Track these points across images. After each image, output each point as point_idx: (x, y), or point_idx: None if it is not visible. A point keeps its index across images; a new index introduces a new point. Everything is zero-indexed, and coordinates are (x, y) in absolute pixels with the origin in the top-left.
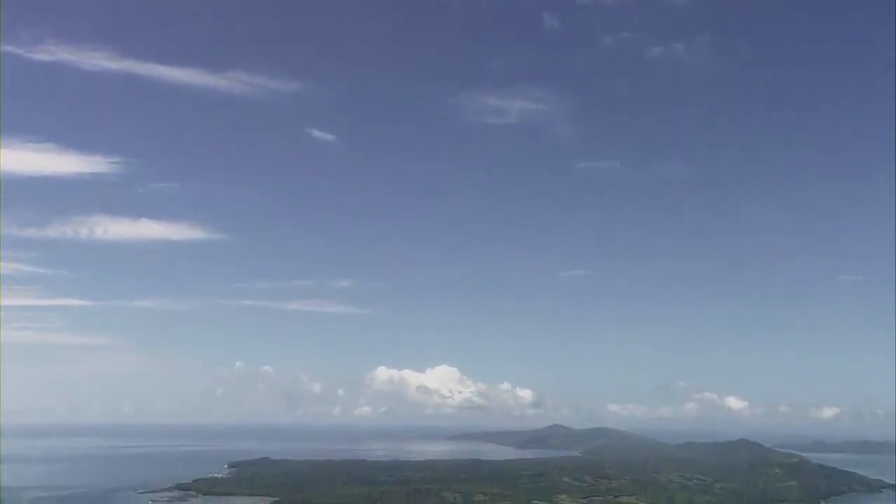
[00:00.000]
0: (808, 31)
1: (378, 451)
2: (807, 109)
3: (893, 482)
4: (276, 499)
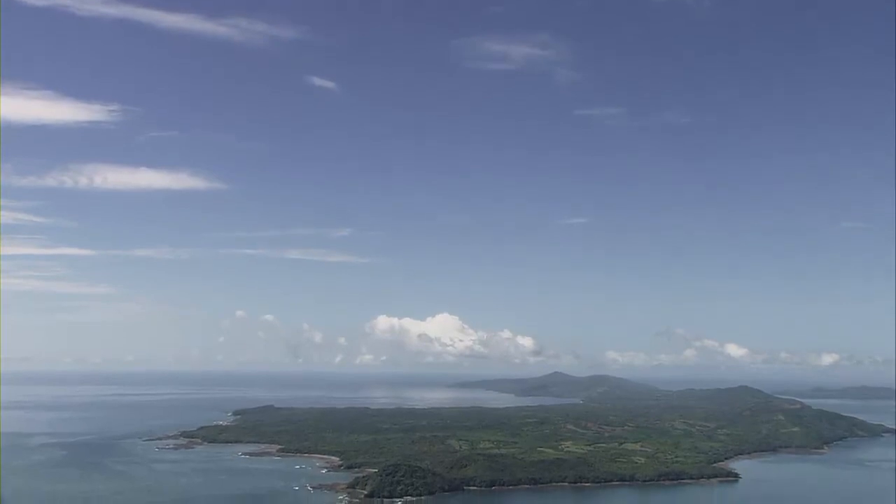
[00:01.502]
0: None
1: (380, 398)
2: (811, 57)
3: (894, 427)
4: (282, 446)
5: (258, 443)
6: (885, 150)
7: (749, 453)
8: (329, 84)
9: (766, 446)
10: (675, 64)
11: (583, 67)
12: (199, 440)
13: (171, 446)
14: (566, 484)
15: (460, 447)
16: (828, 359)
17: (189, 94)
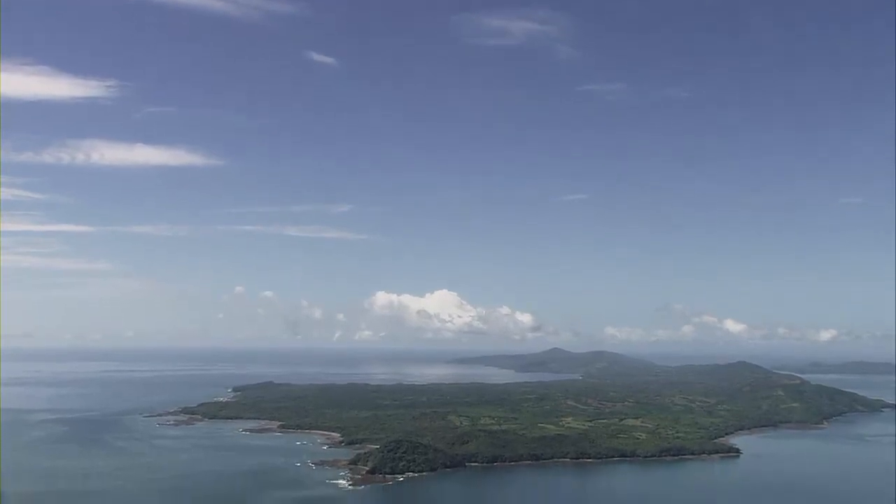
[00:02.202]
0: None
1: (380, 374)
2: (810, 32)
3: (894, 402)
4: (282, 422)
5: (258, 419)
6: (884, 126)
7: (749, 429)
8: (328, 60)
9: (767, 422)
10: (676, 39)
11: (583, 43)
12: (200, 416)
13: (171, 422)
14: (567, 460)
15: (461, 423)
16: (826, 334)
17: (186, 69)
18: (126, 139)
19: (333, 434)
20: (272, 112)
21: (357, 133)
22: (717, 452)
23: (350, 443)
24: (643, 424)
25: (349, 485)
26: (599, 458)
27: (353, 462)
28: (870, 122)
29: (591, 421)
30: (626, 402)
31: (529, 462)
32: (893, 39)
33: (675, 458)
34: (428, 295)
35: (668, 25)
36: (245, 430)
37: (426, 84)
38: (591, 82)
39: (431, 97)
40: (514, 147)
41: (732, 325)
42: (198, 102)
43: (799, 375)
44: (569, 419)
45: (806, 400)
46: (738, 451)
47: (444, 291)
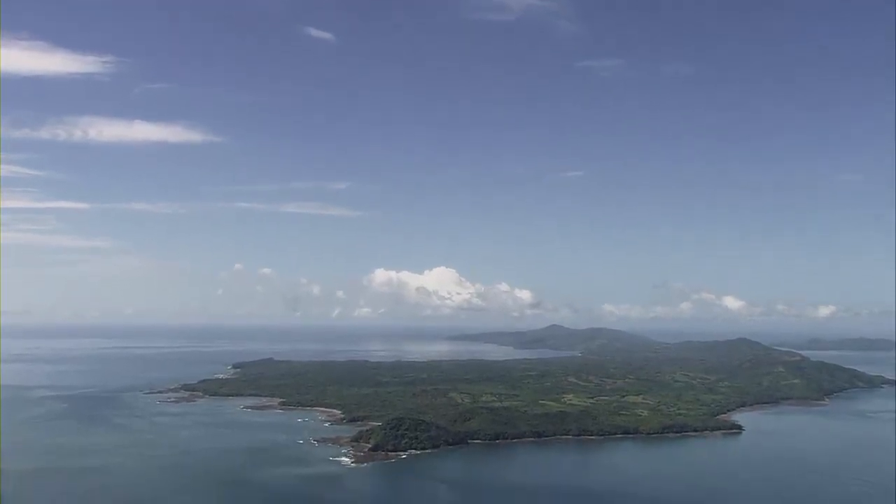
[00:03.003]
0: None
1: (379, 351)
2: (811, 8)
3: (893, 378)
4: (283, 399)
5: (259, 396)
6: (884, 103)
7: (751, 405)
8: (326, 35)
9: (768, 398)
10: (675, 15)
11: (582, 19)
12: (200, 393)
13: (171, 399)
14: (570, 437)
15: (462, 400)
16: (825, 311)
17: (184, 45)
18: (124, 116)
19: (334, 411)
20: (271, 88)
21: (355, 109)
22: (719, 429)
23: (351, 420)
24: (645, 401)
25: (352, 462)
26: (602, 436)
27: (356, 439)
28: (870, 98)
29: (592, 398)
30: (626, 379)
31: (532, 439)
32: (894, 15)
33: (678, 434)
34: (427, 272)
35: (668, 1)
36: (246, 407)
37: (425, 59)
38: (590, 58)
39: (430, 73)
40: (513, 123)
41: (731, 302)
42: (196, 79)
43: (798, 352)
44: (570, 396)
45: (806, 376)
46: (740, 427)
47: (443, 268)
